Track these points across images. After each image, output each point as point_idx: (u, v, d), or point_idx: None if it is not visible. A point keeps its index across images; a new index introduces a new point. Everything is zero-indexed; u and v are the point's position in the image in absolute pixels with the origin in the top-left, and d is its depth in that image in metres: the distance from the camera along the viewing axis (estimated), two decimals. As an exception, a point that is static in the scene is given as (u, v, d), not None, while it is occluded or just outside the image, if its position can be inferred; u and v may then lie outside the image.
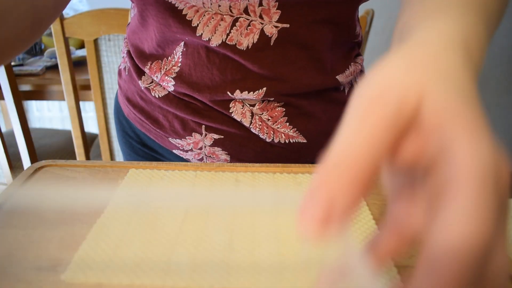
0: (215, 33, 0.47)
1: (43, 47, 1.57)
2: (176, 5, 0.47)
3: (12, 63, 1.12)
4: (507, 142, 2.00)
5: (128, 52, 0.57)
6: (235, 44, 0.47)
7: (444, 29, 0.19)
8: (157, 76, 0.53)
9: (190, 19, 0.47)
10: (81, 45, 1.55)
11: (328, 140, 0.17)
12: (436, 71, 0.17)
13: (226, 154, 0.55)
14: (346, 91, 0.56)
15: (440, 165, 0.15)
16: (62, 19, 1.09)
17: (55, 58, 1.33)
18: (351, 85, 0.57)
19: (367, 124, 0.16)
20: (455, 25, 0.19)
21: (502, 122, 1.99)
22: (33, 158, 1.14)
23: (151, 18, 0.50)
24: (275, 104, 0.51)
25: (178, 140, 0.55)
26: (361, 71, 0.59)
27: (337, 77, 0.53)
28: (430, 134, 0.16)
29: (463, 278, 0.14)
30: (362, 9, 1.23)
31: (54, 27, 1.09)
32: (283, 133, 0.53)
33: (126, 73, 0.59)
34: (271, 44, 0.47)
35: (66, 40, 1.11)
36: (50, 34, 1.50)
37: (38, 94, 1.39)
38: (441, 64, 0.17)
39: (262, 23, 0.46)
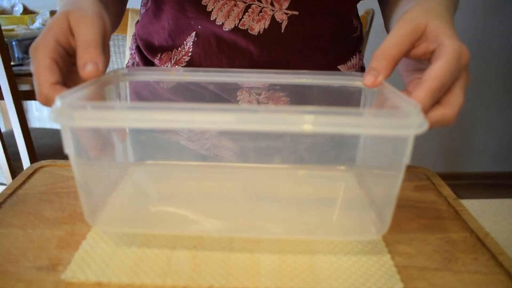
0: (228, 17, 0.50)
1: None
2: None
3: (12, 63, 1.11)
4: (507, 142, 2.00)
5: (137, 47, 0.59)
6: (247, 29, 0.50)
7: None
8: (167, 66, 0.55)
9: (206, 4, 0.50)
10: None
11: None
12: (434, 13, 0.37)
13: (231, 143, 0.56)
14: None
15: (437, 51, 0.35)
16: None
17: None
18: None
19: (399, 33, 0.36)
20: None
21: (502, 122, 1.99)
22: (33, 158, 1.14)
23: (167, 4, 0.52)
24: (280, 94, 0.53)
25: (185, 130, 0.56)
26: (362, 67, 0.60)
27: (338, 66, 0.56)
28: (432, 40, 0.35)
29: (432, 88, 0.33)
30: (362, 8, 1.23)
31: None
32: None
33: None
34: (282, 31, 0.50)
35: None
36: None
37: (38, 94, 1.38)
38: (436, 10, 0.38)
39: (273, 10, 0.49)
